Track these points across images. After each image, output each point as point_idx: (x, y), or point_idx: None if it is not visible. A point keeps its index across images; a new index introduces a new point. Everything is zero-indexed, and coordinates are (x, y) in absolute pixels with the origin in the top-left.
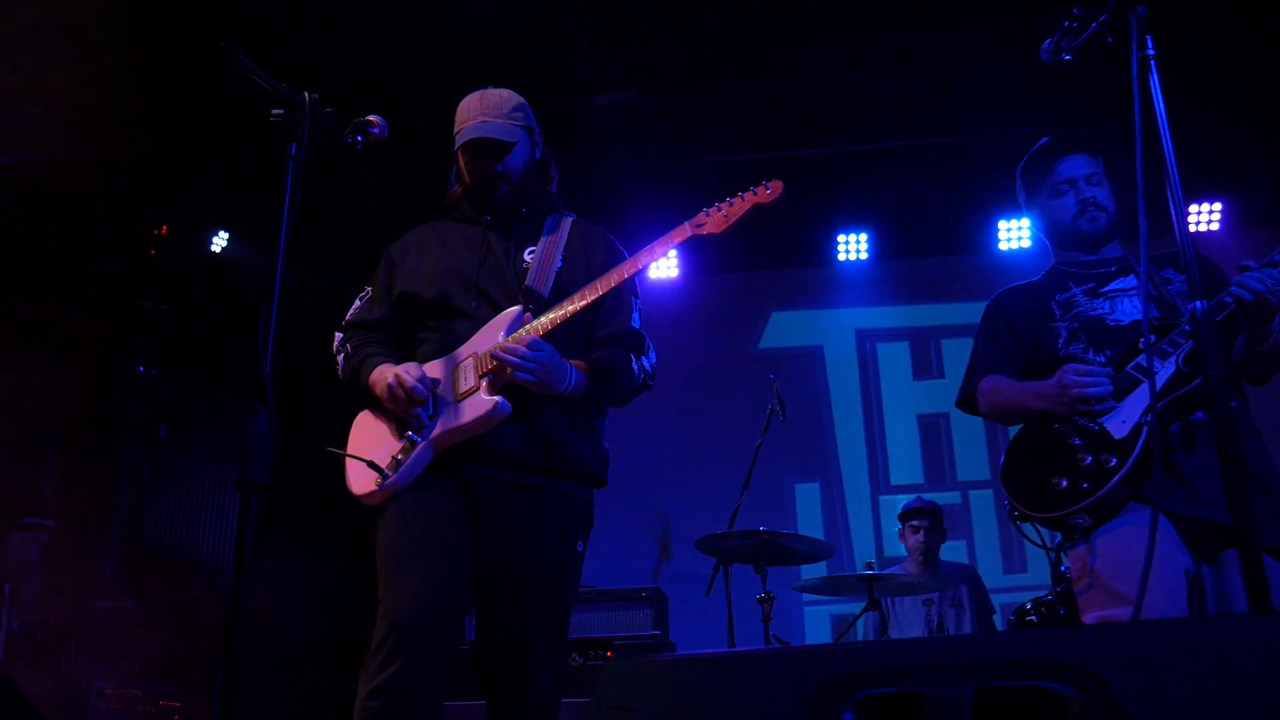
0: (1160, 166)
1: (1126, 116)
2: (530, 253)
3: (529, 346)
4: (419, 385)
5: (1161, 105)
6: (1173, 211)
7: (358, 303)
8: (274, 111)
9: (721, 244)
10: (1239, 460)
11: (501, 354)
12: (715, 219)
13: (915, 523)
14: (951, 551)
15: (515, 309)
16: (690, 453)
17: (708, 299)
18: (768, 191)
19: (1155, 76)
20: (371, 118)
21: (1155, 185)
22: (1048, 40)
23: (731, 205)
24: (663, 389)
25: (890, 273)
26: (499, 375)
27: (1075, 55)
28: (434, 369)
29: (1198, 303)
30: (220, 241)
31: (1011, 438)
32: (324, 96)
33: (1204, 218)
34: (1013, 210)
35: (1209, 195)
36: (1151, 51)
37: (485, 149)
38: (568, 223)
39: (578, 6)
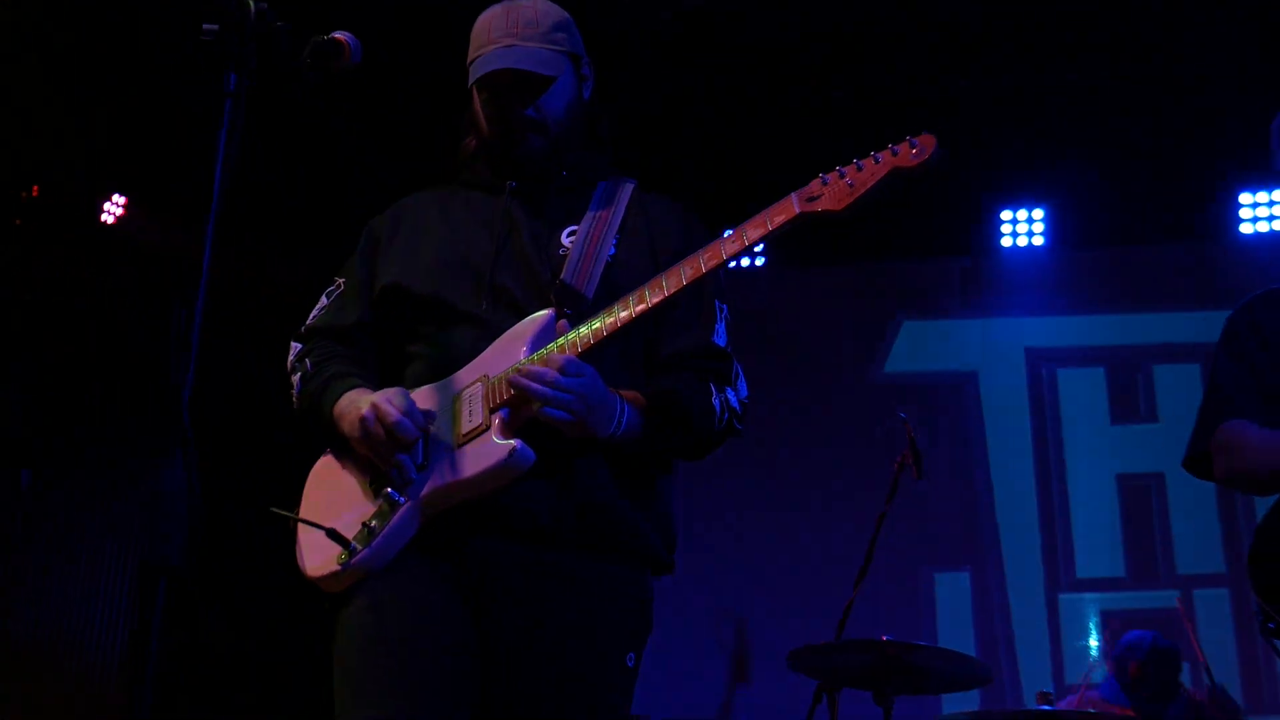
0: None
1: None
2: (571, 234)
3: (562, 370)
4: (405, 421)
5: None
6: None
7: (324, 300)
8: (205, 27)
9: (834, 224)
10: None
11: (522, 380)
12: (835, 191)
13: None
14: None
15: (545, 314)
16: (780, 526)
17: (809, 301)
18: (914, 151)
19: None
20: (339, 35)
21: None
22: None
23: (860, 170)
24: (739, 438)
25: (1078, 266)
26: (519, 409)
27: None
28: (426, 398)
29: None
30: (114, 209)
31: (1264, 513)
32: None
33: None
34: (1262, 180)
35: None
36: None
37: (512, 85)
38: (626, 192)
39: None
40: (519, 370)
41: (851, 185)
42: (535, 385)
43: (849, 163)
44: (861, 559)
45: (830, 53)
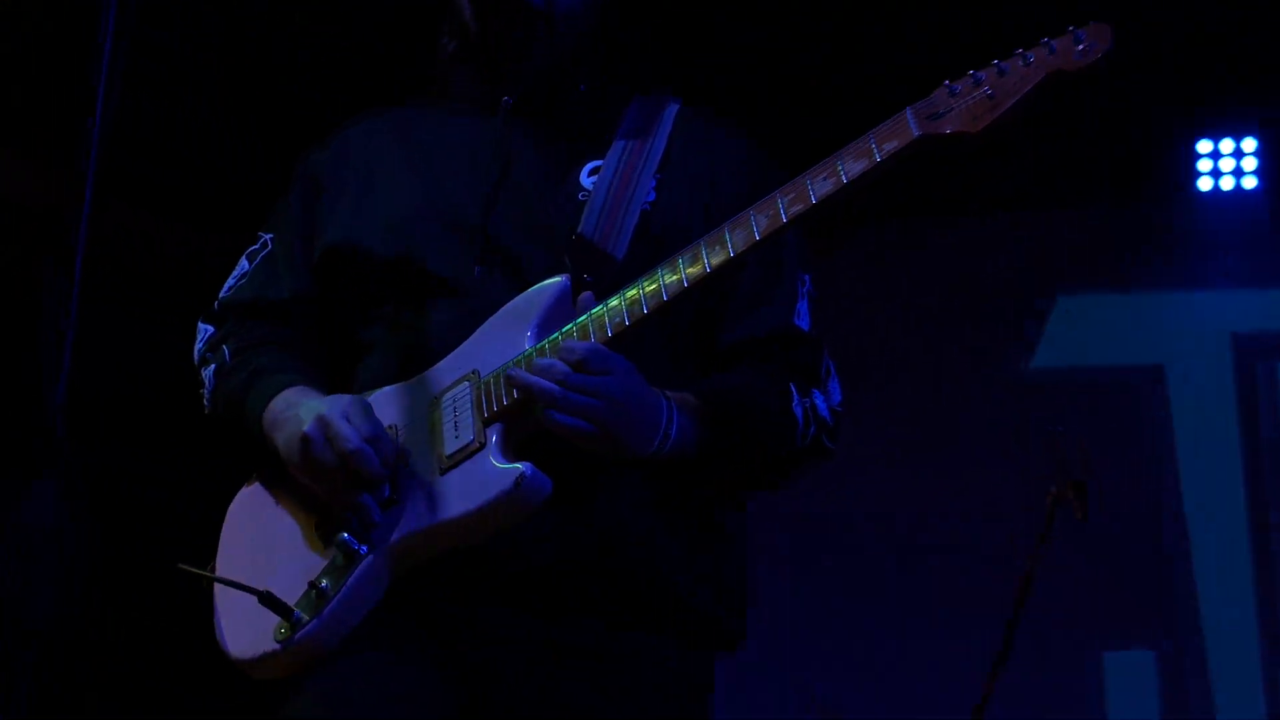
0: None
1: None
2: (593, 172)
3: (582, 363)
4: (366, 451)
5: None
6: None
7: (244, 265)
8: None
9: (967, 152)
10: None
11: (523, 377)
12: (970, 104)
13: None
14: None
15: (557, 282)
16: (885, 584)
17: (925, 271)
18: (1081, 48)
19: None
20: None
21: None
22: None
23: (1004, 75)
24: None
25: None
26: (525, 418)
27: None
28: (391, 405)
29: None
30: None
31: None
32: None
33: None
34: None
35: None
36: None
37: None
38: (668, 114)
39: None
40: (522, 362)
41: (993, 96)
42: (542, 383)
43: (988, 65)
44: (1001, 633)
45: None
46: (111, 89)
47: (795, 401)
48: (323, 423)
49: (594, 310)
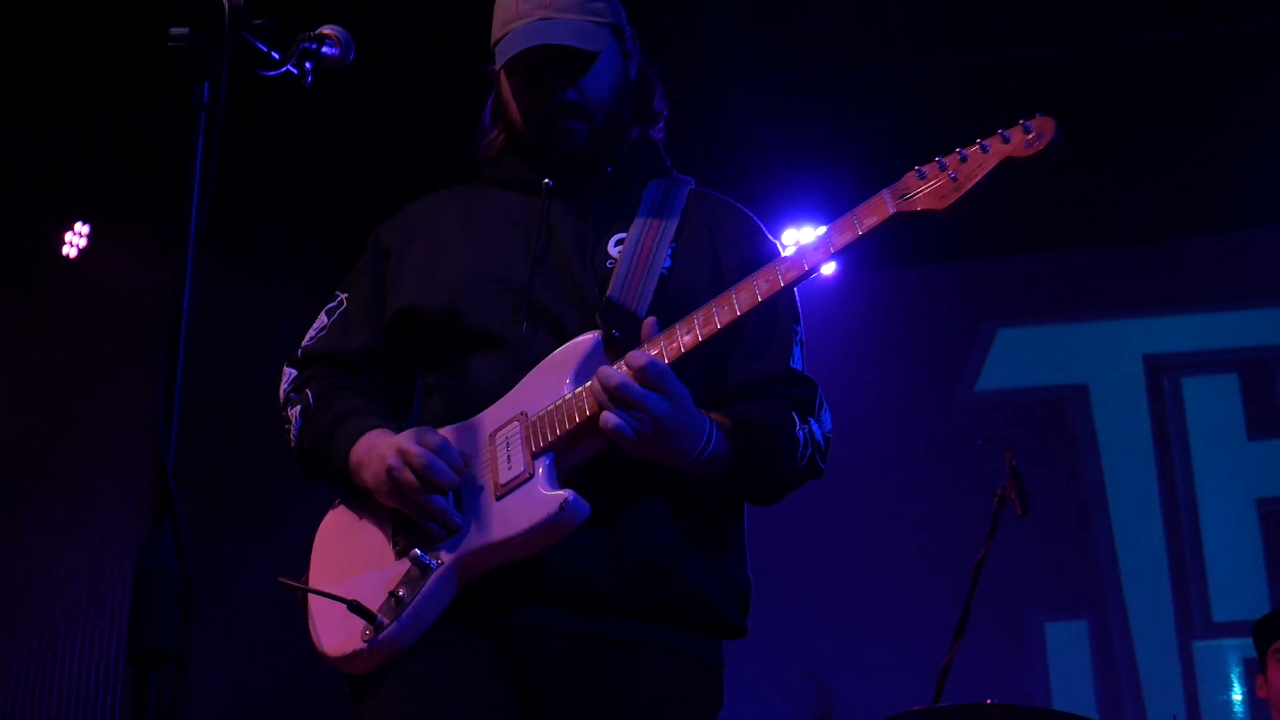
0: None
1: None
2: (619, 243)
3: (641, 373)
4: (438, 462)
5: None
6: None
7: (324, 319)
8: (174, 31)
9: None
10: None
11: (600, 386)
12: (937, 187)
13: None
14: None
15: (591, 337)
16: (862, 573)
17: (889, 307)
18: (1029, 138)
19: None
20: (326, 29)
21: None
22: None
23: (965, 161)
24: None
25: (1201, 256)
26: (566, 450)
27: None
28: (452, 439)
29: None
30: (77, 239)
31: None
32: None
33: None
34: None
35: None
36: None
37: (549, 66)
38: (682, 193)
39: None
40: (562, 405)
41: (955, 179)
42: (596, 385)
43: (950, 153)
44: (959, 609)
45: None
46: (204, 196)
47: (798, 427)
48: (400, 452)
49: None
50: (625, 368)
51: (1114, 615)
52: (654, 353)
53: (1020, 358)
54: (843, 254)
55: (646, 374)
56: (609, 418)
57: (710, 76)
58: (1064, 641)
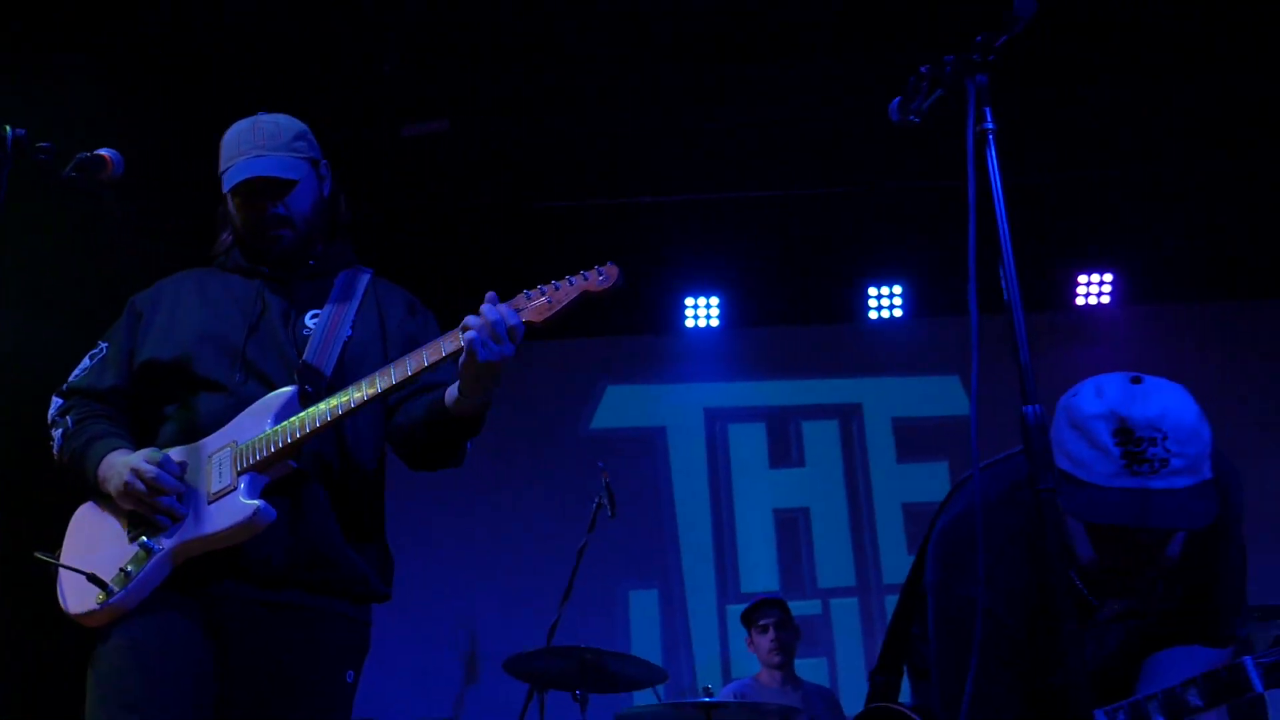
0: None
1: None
2: (314, 317)
3: (511, 332)
4: (164, 475)
5: (999, 183)
6: (1006, 292)
7: (87, 362)
8: None
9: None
10: None
11: (470, 320)
12: (537, 306)
13: (763, 621)
14: (811, 671)
15: (289, 390)
16: (503, 554)
17: (526, 370)
18: (600, 279)
19: (992, 150)
20: (103, 153)
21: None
22: (896, 98)
23: (558, 290)
24: (470, 480)
25: (745, 343)
26: (263, 471)
27: (924, 118)
28: (179, 458)
29: (1029, 407)
30: None
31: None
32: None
33: (1094, 289)
34: (884, 276)
35: (1100, 266)
36: (990, 125)
37: (262, 190)
38: (363, 281)
39: (380, 22)
40: (262, 440)
41: (550, 302)
42: (486, 326)
43: (548, 282)
44: (566, 581)
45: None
46: None
47: None
48: (134, 470)
49: (311, 409)
50: (500, 309)
51: (675, 586)
52: (336, 403)
53: (622, 407)
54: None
55: (514, 330)
56: (472, 340)
57: None
58: (641, 604)
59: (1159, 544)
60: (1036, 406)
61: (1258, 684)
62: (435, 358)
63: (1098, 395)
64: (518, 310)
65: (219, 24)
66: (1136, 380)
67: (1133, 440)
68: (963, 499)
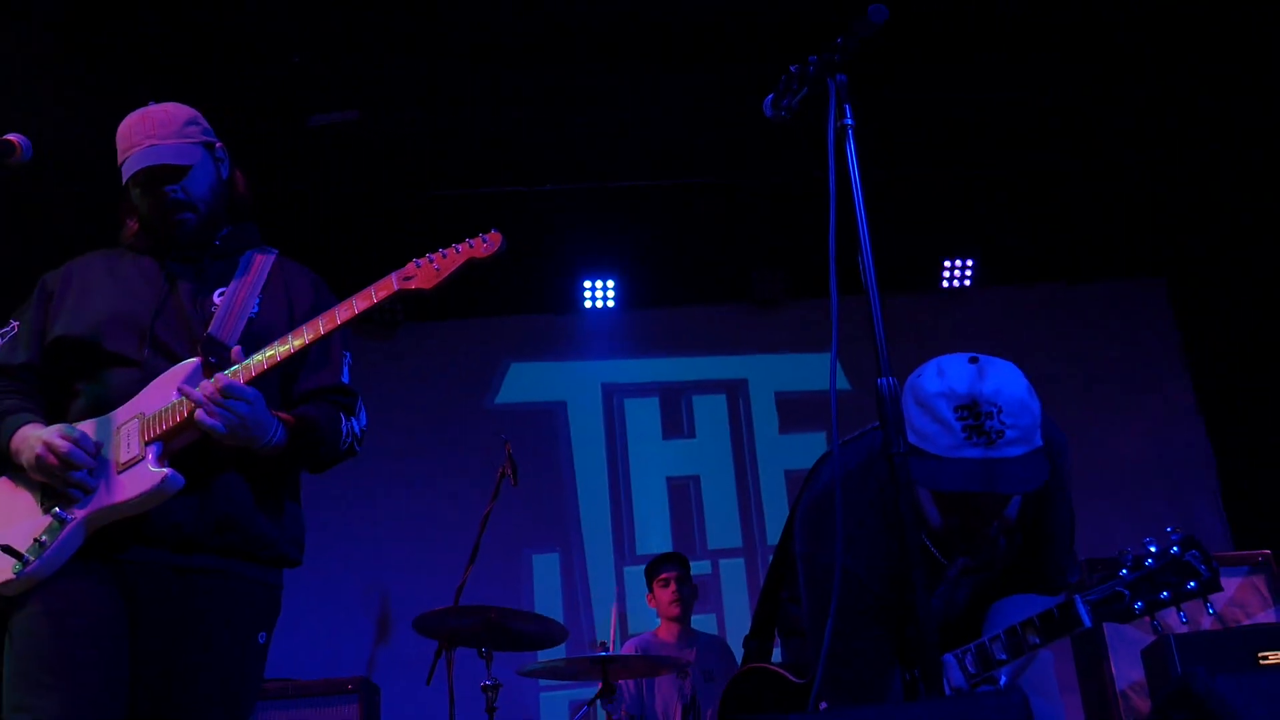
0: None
1: (877, 165)
2: (221, 294)
3: (223, 391)
4: (76, 450)
5: (857, 175)
6: (865, 280)
7: None
8: None
9: (451, 286)
10: None
11: (188, 391)
12: (425, 272)
13: (665, 575)
14: (702, 625)
15: (192, 362)
16: (412, 521)
17: (435, 347)
18: (485, 245)
19: (852, 146)
20: (11, 137)
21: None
22: (770, 94)
23: (445, 258)
24: (381, 450)
25: (640, 323)
26: (170, 440)
27: (794, 115)
28: (89, 431)
29: (883, 379)
30: None
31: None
32: None
33: (957, 272)
34: (769, 261)
35: (961, 252)
36: (850, 121)
37: (159, 176)
38: (268, 261)
39: (287, 11)
40: (173, 407)
41: (438, 269)
42: (197, 394)
43: (436, 250)
44: (472, 546)
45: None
46: None
47: (344, 423)
48: (46, 444)
49: (231, 369)
50: (213, 384)
51: (575, 549)
52: (238, 370)
53: (525, 382)
54: (365, 314)
55: (225, 390)
56: (202, 416)
57: None
58: (543, 567)
59: (998, 506)
60: (890, 379)
61: (1086, 620)
62: (348, 315)
63: (939, 375)
64: (408, 278)
65: (130, 13)
66: (974, 360)
67: (972, 414)
68: (825, 474)
